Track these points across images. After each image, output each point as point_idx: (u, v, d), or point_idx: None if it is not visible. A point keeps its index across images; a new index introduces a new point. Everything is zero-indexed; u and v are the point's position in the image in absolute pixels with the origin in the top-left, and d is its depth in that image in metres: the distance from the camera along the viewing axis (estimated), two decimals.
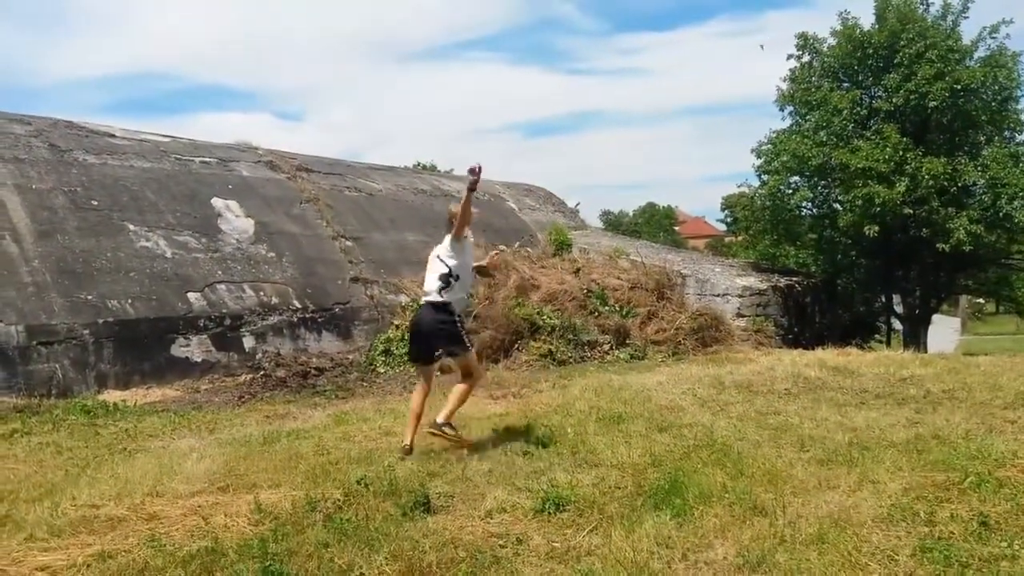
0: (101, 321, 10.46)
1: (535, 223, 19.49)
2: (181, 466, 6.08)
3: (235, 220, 13.35)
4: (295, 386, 10.75)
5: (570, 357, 12.77)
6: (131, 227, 11.95)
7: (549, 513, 4.76)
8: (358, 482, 5.27)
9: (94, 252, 11.23)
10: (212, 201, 13.43)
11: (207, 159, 14.54)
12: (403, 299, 13.78)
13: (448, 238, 6.60)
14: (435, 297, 6.36)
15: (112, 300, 10.77)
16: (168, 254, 11.93)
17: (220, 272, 12.21)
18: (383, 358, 12.32)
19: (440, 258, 6.53)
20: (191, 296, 11.54)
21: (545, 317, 13.28)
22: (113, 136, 13.80)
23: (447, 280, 6.38)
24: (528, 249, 17.16)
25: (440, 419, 6.24)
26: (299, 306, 12.57)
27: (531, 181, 23.54)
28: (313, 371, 11.50)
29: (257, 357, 11.67)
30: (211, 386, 10.75)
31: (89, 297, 10.63)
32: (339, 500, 5.00)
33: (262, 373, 11.26)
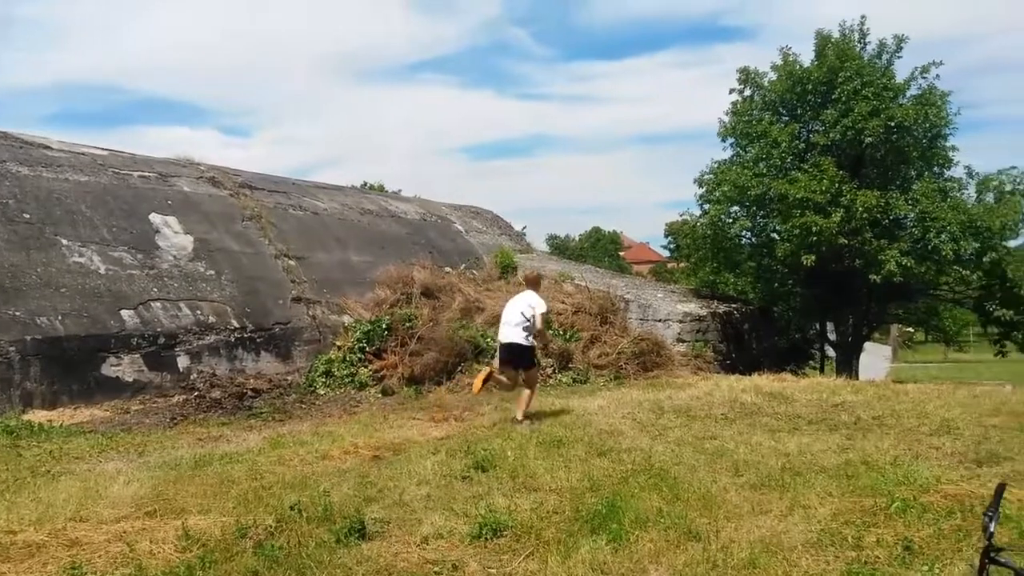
0: (29, 338, 10.07)
1: (481, 246, 19.54)
2: (107, 490, 5.87)
3: (173, 236, 13.05)
4: (230, 408, 10.50)
5: None
6: (64, 242, 11.57)
7: (486, 539, 4.74)
8: (291, 508, 5.16)
9: (23, 267, 10.83)
10: (150, 217, 13.11)
11: (146, 174, 14.20)
12: (347, 319, 13.62)
13: (532, 295, 8.87)
14: (520, 338, 8.69)
15: (41, 317, 10.39)
16: (102, 270, 11.58)
17: (156, 289, 11.89)
18: (324, 379, 12.14)
19: (522, 312, 8.67)
20: (124, 314, 11.20)
21: (489, 339, 13.26)
22: (49, 148, 13.37)
23: (528, 329, 8.68)
24: (474, 271, 17.17)
25: (519, 416, 8.54)
26: (237, 325, 12.31)
27: (480, 204, 23.66)
28: (250, 392, 11.26)
29: (192, 377, 11.38)
30: (142, 407, 10.42)
31: (17, 313, 10.23)
32: (271, 526, 4.89)
33: (196, 394, 10.98)
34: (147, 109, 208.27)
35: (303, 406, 10.81)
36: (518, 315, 8.74)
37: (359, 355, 12.59)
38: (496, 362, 9.11)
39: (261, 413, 10.17)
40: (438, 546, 4.67)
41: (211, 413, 10.13)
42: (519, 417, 8.52)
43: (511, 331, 8.74)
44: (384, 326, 12.96)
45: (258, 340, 12.43)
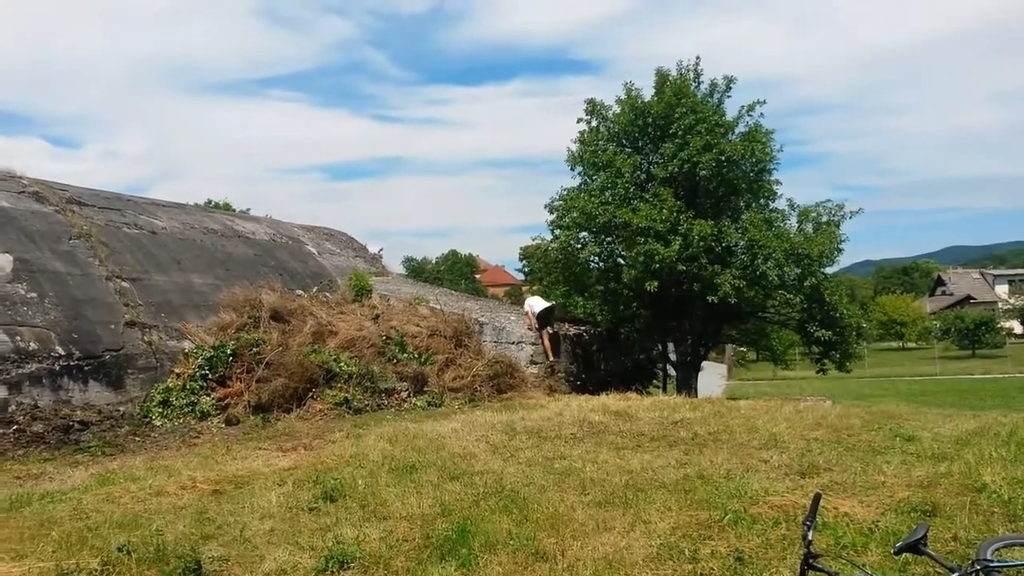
0: None
1: (335, 268, 19.11)
2: None
3: None
4: (54, 442, 9.66)
5: (367, 405, 12.56)
6: None
7: (333, 572, 4.63)
8: (119, 549, 4.82)
9: None
10: None
11: None
12: (187, 345, 12.87)
13: None
14: None
15: None
16: None
17: None
18: (160, 409, 11.41)
19: None
20: None
21: (342, 364, 12.99)
22: None
23: None
24: (327, 294, 16.77)
25: None
26: (62, 352, 11.34)
27: (334, 225, 23.18)
28: (77, 425, 10.39)
29: (10, 410, 10.33)
30: None
31: None
32: (96, 570, 4.55)
33: (15, 428, 9.99)
34: None
35: (137, 439, 10.11)
36: None
37: (200, 383, 11.94)
38: None
39: (89, 447, 9.42)
40: None
41: (32, 449, 9.30)
42: None
43: None
44: (229, 351, 12.37)
45: (86, 368, 11.50)
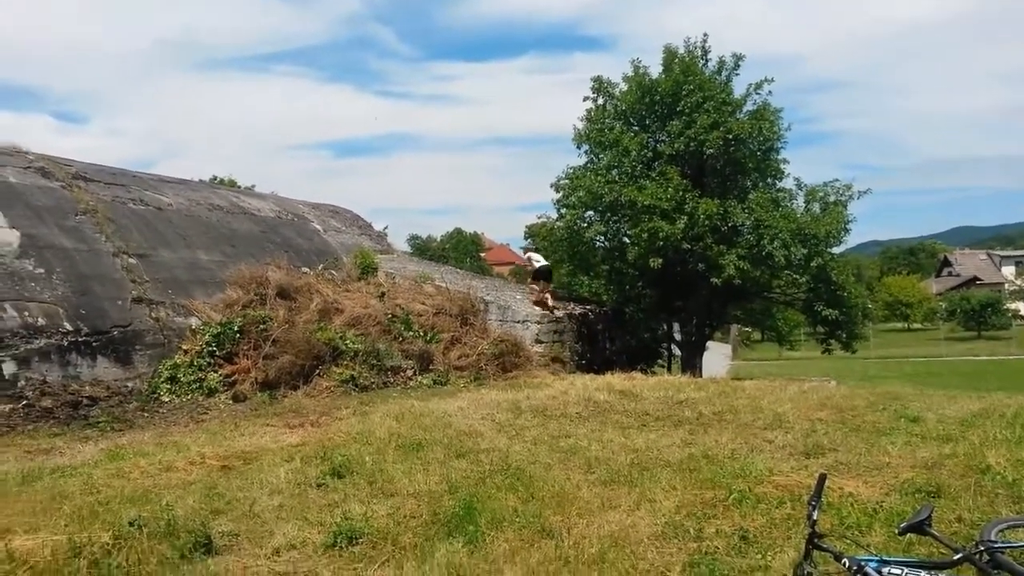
0: None
1: (340, 246, 19.12)
2: None
3: None
4: (63, 418, 9.74)
5: (373, 382, 12.62)
6: None
7: (341, 547, 4.67)
8: (130, 523, 4.87)
9: None
10: None
11: None
12: (194, 322, 12.93)
13: None
14: None
15: None
16: None
17: None
18: (168, 386, 11.48)
19: None
20: None
21: (348, 341, 13.03)
22: None
23: None
24: (332, 272, 16.78)
25: None
26: (71, 328, 11.40)
27: (339, 202, 23.13)
28: (85, 401, 10.47)
29: (19, 385, 10.41)
30: None
31: None
32: (107, 544, 4.59)
33: (24, 403, 10.08)
34: None
35: (145, 415, 10.19)
36: None
37: (208, 359, 12.00)
38: None
39: (98, 423, 9.50)
40: (290, 557, 4.57)
41: (42, 424, 9.38)
42: None
43: None
44: (236, 328, 12.42)
45: (94, 344, 11.56)
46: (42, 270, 11.86)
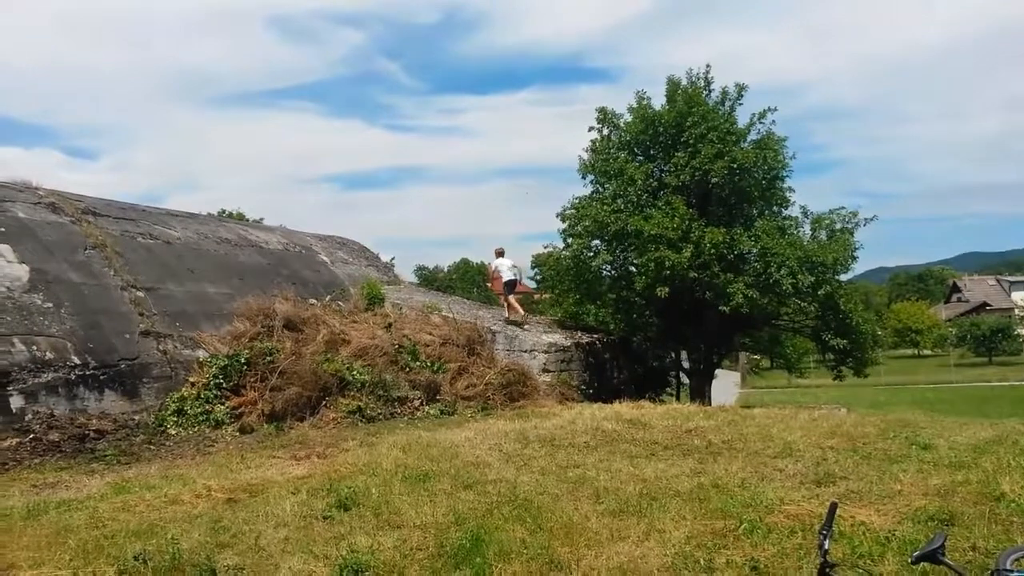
0: None
1: (348, 277, 19.19)
2: None
3: (6, 266, 11.99)
4: (70, 451, 9.73)
5: (380, 413, 12.58)
6: None
7: None
8: (135, 557, 4.84)
9: None
10: None
11: None
12: (201, 354, 12.95)
13: None
14: None
15: None
16: None
17: None
18: (175, 418, 11.47)
19: None
20: None
21: (355, 372, 13.02)
22: None
23: None
24: (339, 303, 16.83)
25: None
26: (78, 362, 11.44)
27: (347, 234, 23.28)
28: (92, 434, 10.46)
29: (26, 419, 10.42)
30: None
31: None
32: None
33: (31, 437, 10.08)
34: None
35: (152, 447, 10.16)
36: None
37: (215, 392, 12.01)
38: None
39: (105, 456, 9.48)
40: None
41: (48, 457, 9.36)
42: None
43: None
44: (242, 360, 12.44)
45: (102, 377, 11.58)
46: (51, 304, 11.93)
